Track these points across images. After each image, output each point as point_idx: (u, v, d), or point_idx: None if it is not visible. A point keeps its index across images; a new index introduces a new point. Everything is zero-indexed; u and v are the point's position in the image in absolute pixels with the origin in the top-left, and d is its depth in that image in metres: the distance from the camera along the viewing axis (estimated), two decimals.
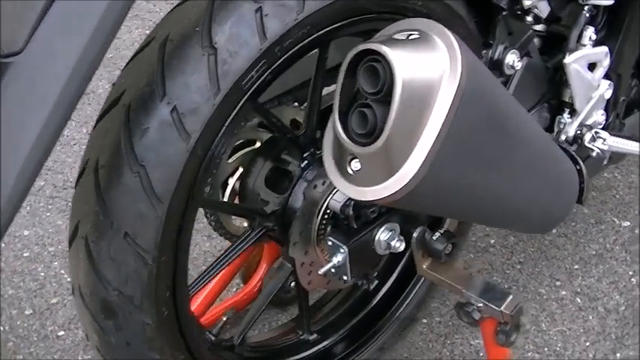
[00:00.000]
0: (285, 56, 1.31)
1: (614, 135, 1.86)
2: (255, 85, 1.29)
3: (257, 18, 1.25)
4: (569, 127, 1.83)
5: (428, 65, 1.10)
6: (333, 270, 1.48)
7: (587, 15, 1.78)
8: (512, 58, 1.48)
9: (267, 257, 1.87)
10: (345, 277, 1.48)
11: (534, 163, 1.35)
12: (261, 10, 1.26)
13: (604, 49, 1.79)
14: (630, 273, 2.23)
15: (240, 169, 1.52)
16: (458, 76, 1.09)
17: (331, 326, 1.79)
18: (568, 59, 1.69)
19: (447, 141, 1.10)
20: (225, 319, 1.84)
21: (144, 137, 1.22)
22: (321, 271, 1.47)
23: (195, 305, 1.76)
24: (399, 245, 1.48)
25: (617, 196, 2.52)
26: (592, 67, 1.81)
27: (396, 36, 1.14)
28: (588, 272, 2.23)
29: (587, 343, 2.04)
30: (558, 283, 2.20)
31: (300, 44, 1.32)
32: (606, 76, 1.86)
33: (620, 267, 2.25)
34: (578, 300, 2.15)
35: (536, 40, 1.78)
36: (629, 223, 2.40)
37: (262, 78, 1.30)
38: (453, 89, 1.09)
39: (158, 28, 1.28)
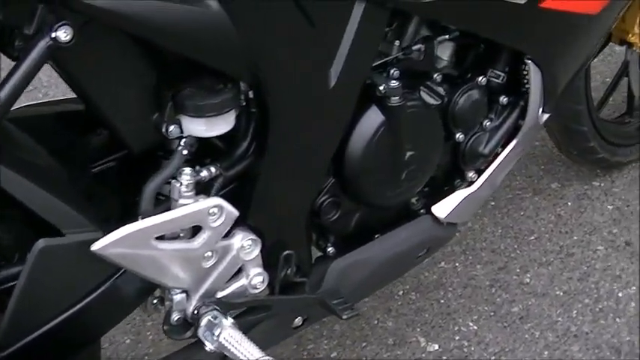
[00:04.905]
0: None
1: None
2: None
3: None
4: (187, 305, 1.30)
5: None
6: None
7: (186, 152, 1.21)
8: None
9: None
10: None
11: None
12: None
13: (201, 206, 1.22)
14: None
15: None
16: None
17: None
18: (95, 246, 1.14)
19: None
20: None
21: None
22: None
23: None
24: None
25: (442, 301, 1.90)
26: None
27: None
28: None
29: None
30: None
31: None
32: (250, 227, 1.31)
33: None
34: None
35: None
36: (437, 347, 1.80)
37: None
38: None
39: None
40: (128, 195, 1.26)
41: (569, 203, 2.11)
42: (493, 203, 2.11)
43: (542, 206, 2.11)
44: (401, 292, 1.92)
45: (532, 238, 2.03)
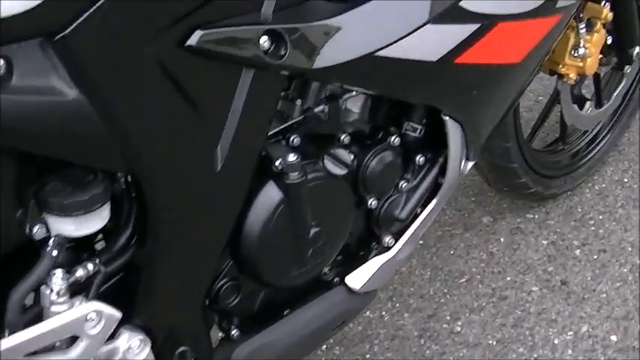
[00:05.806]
0: None
1: None
2: None
3: None
4: None
5: None
6: None
7: (56, 253, 1.06)
8: None
9: None
10: None
11: None
12: None
13: (76, 314, 1.08)
14: None
15: None
16: None
17: None
18: None
19: None
20: None
21: None
22: None
23: None
24: None
25: (368, 356, 1.79)
26: None
27: None
28: None
29: None
30: None
31: None
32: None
33: None
34: None
35: None
36: None
37: None
38: None
39: None
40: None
41: (502, 239, 2.00)
42: (422, 242, 1.98)
43: (473, 243, 1.99)
44: (324, 347, 1.79)
45: (463, 280, 1.91)
